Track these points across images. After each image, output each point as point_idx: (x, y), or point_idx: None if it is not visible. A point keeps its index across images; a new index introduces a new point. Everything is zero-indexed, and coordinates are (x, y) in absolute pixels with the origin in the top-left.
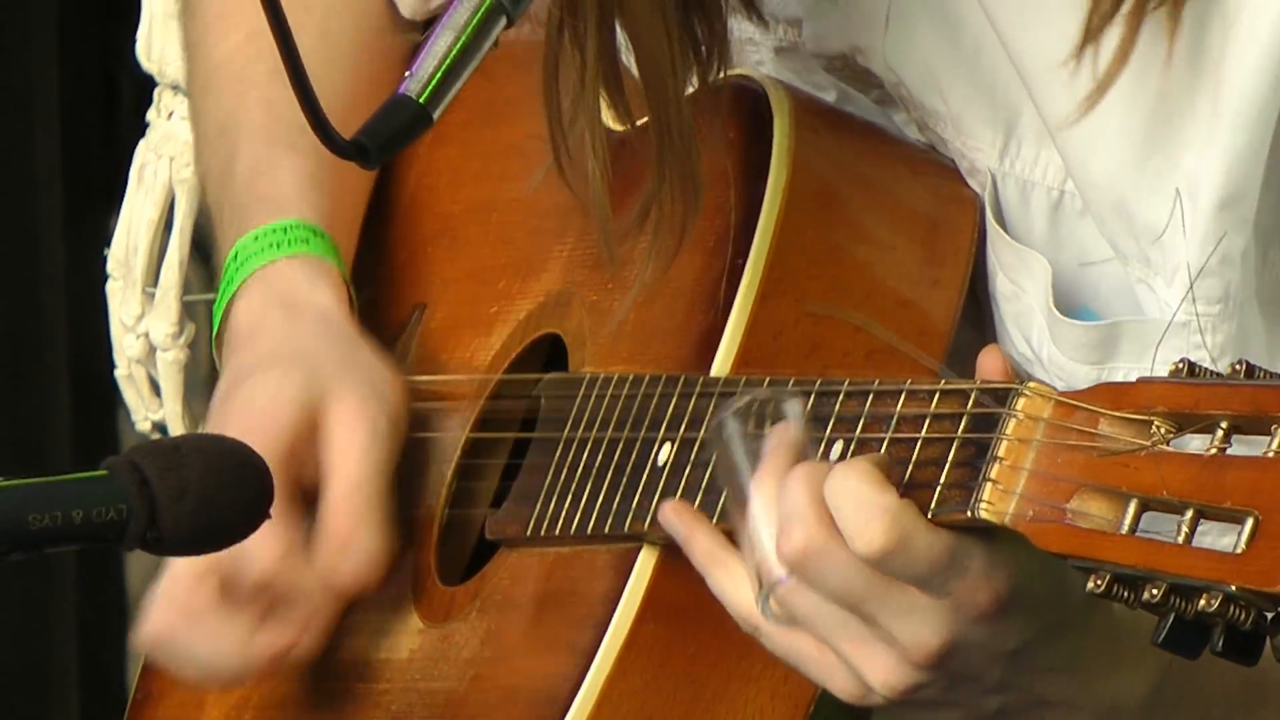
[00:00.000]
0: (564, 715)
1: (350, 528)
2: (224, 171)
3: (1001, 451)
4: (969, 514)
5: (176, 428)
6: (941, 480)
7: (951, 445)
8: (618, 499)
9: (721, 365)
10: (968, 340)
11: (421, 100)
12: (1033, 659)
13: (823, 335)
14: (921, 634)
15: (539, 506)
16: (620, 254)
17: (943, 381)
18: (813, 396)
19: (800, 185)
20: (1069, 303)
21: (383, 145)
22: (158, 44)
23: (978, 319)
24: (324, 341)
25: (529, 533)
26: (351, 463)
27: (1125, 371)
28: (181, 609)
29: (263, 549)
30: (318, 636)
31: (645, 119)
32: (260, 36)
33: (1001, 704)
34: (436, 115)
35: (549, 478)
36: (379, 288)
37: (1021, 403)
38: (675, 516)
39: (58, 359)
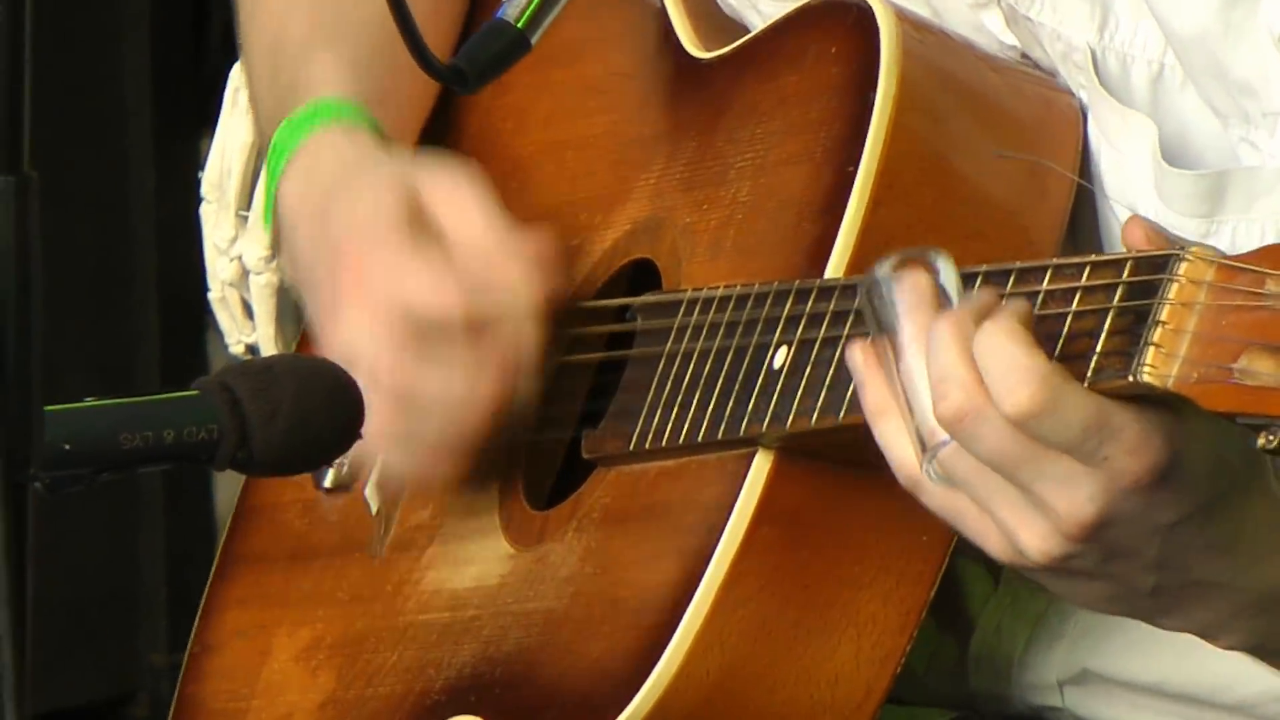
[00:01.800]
0: (678, 620)
1: (500, 241)
2: (269, 90)
3: (1164, 316)
4: (1130, 378)
5: (269, 350)
6: (1098, 349)
7: (1107, 315)
8: (730, 404)
9: (834, 271)
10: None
11: (520, 25)
12: (1191, 536)
13: (933, 242)
14: (1076, 502)
15: (641, 422)
16: (715, 174)
17: (1093, 255)
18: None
19: (909, 94)
20: (1175, 164)
21: (480, 70)
22: None
23: (1070, 228)
24: (388, 157)
25: (631, 447)
26: (470, 208)
27: (1234, 224)
28: (398, 390)
29: (442, 296)
30: (531, 371)
31: (725, 49)
32: None
33: (1157, 582)
34: (535, 40)
35: (651, 393)
36: None
37: (1184, 267)
38: (859, 359)
39: (148, 282)
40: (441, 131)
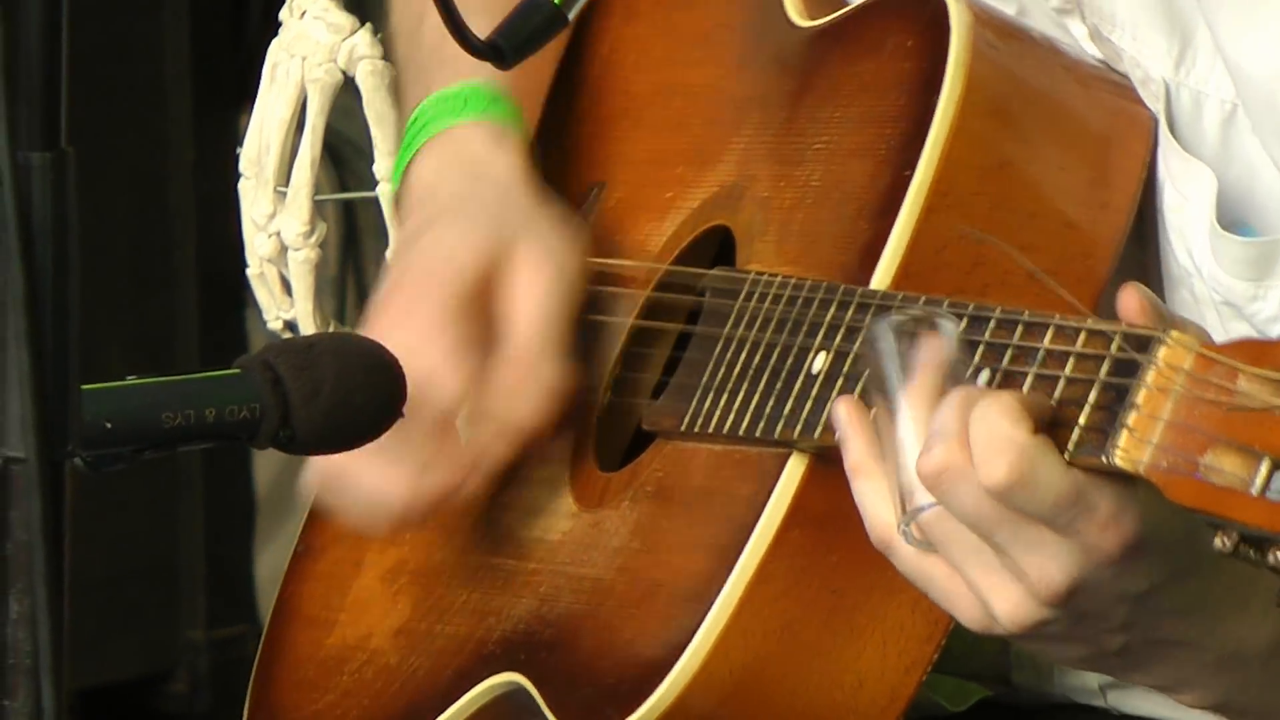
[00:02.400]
0: (704, 616)
1: (529, 364)
2: (413, 31)
3: (1140, 399)
4: (1104, 459)
5: (307, 326)
6: (1081, 422)
7: (1092, 387)
8: (770, 403)
9: (882, 277)
10: (1128, 254)
11: (557, 2)
12: (1159, 601)
13: (985, 253)
14: (1048, 571)
15: (694, 402)
16: (794, 152)
17: (1089, 320)
18: (965, 320)
19: (974, 100)
20: (1233, 219)
21: (518, 46)
22: None
23: (1140, 232)
24: (506, 198)
25: (683, 428)
26: (533, 306)
27: None
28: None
29: (442, 385)
30: (486, 477)
31: (822, 21)
32: None
33: (1124, 642)
34: (571, 16)
35: (706, 374)
36: (561, 160)
37: (1163, 352)
38: (844, 414)
39: (187, 259)
40: (573, 52)
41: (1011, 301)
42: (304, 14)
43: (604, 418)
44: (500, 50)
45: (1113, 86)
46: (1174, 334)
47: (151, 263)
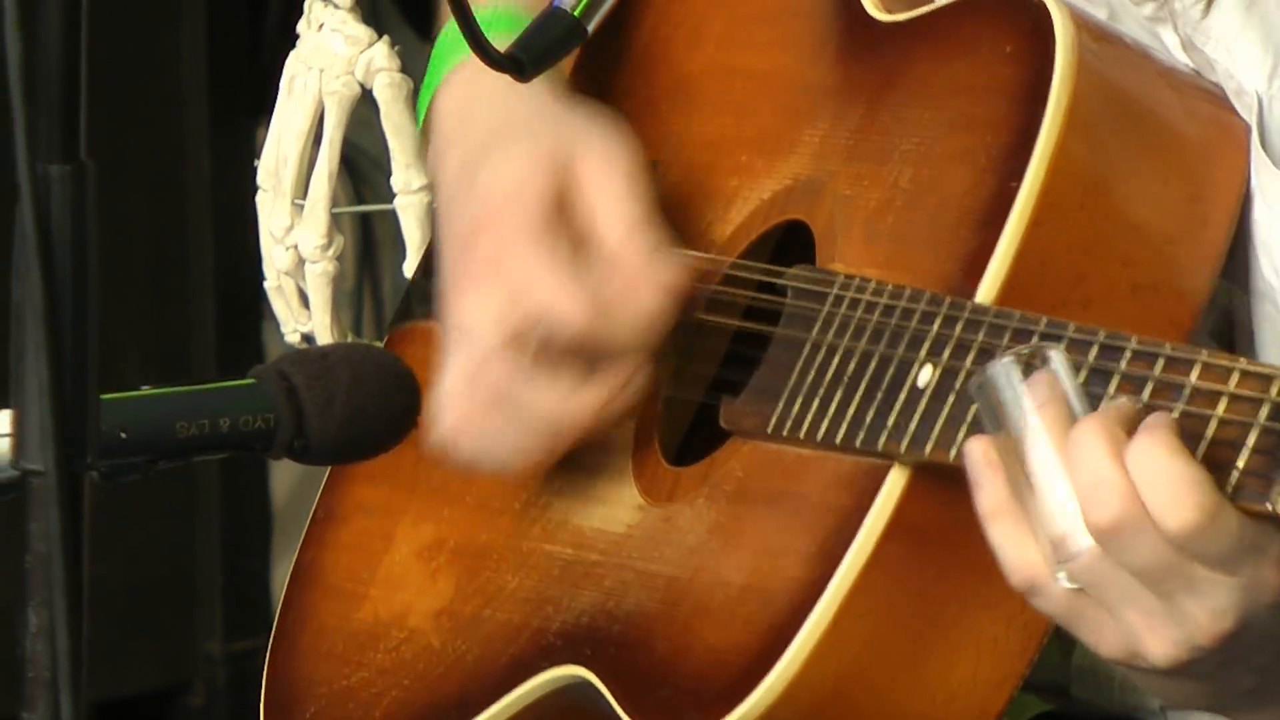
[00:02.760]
0: (800, 624)
1: (638, 263)
2: None
3: None
4: (1268, 505)
5: (325, 339)
6: (1239, 465)
7: (1251, 430)
8: (871, 414)
9: (988, 289)
10: None
11: (576, 13)
12: None
13: (1089, 266)
14: (1216, 613)
15: (782, 406)
16: (879, 150)
17: (1242, 361)
18: (1096, 347)
19: (1080, 113)
20: None
21: (537, 58)
22: None
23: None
24: (551, 111)
25: (770, 430)
26: (617, 205)
27: None
28: (496, 388)
29: (566, 313)
30: (640, 385)
31: (904, 16)
32: None
33: (1255, 684)
34: (591, 28)
35: (794, 378)
36: None
37: None
38: (979, 456)
39: (204, 271)
40: (616, 22)
41: (1113, 317)
42: (322, 26)
43: (666, 409)
44: (519, 62)
45: (1209, 96)
46: None
47: (169, 274)
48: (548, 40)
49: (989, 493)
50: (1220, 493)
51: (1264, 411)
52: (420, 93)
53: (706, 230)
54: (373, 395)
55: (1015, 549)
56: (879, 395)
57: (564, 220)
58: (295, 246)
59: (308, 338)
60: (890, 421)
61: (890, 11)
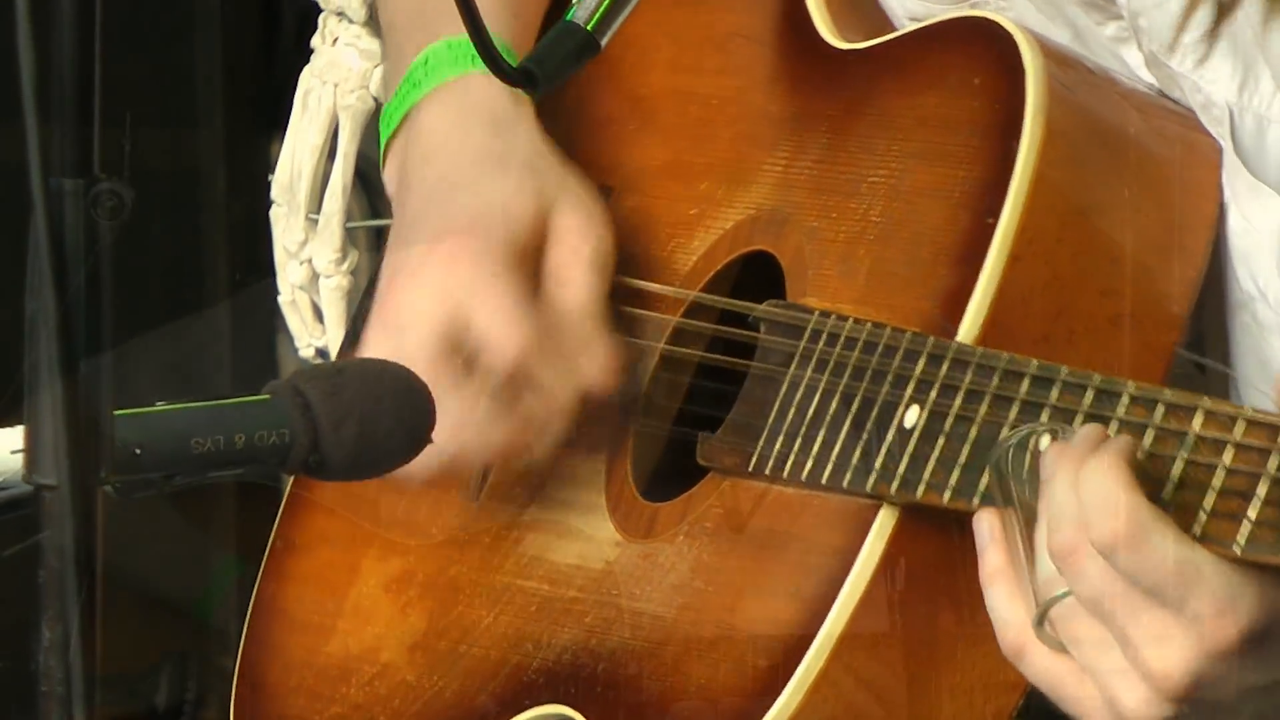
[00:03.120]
0: (794, 667)
1: (593, 329)
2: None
3: (1262, 491)
4: (1236, 550)
5: (339, 354)
6: (1252, 516)
7: (1259, 481)
8: (857, 454)
9: (970, 328)
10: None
11: (590, 27)
12: None
13: (1069, 299)
14: (1169, 663)
15: (763, 443)
16: (846, 182)
17: (1248, 409)
18: (1090, 392)
19: (1054, 145)
20: None
21: (550, 73)
22: None
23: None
24: (541, 158)
25: (751, 469)
26: (584, 272)
27: None
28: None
29: (508, 338)
30: (553, 442)
31: (864, 44)
32: None
33: None
34: (604, 43)
35: (773, 416)
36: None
37: None
38: (988, 529)
39: (218, 285)
40: None
41: (1096, 349)
42: (336, 41)
43: (637, 444)
44: (532, 76)
45: (1176, 117)
46: None
47: (183, 288)
48: (561, 54)
49: (991, 557)
50: (1152, 516)
51: (1273, 462)
52: (393, 100)
53: (668, 259)
54: (387, 411)
55: (1007, 611)
56: (865, 435)
57: (529, 263)
58: (310, 261)
59: (322, 352)
60: (878, 463)
61: (847, 38)
